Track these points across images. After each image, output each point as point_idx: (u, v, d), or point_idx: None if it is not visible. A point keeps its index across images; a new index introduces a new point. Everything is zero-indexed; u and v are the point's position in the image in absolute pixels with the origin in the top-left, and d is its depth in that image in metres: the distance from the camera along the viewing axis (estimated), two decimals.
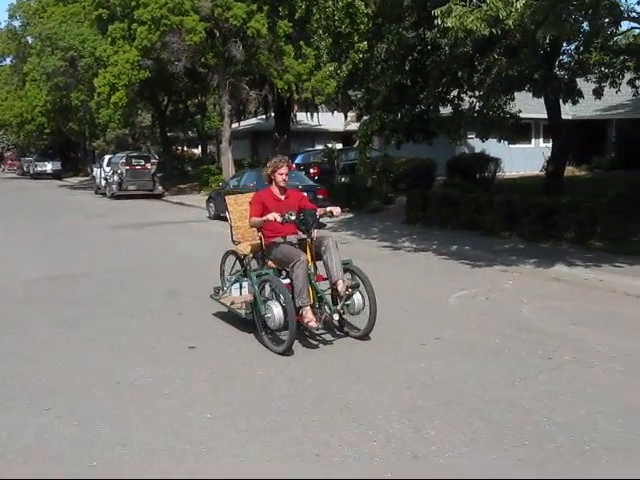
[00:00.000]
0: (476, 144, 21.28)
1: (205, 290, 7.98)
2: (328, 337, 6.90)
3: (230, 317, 7.46)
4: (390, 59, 14.60)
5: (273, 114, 32.13)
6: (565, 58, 14.79)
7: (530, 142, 27.98)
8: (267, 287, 6.68)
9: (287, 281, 6.64)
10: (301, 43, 23.55)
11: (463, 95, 14.82)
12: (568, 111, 25.77)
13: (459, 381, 5.59)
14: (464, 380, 5.61)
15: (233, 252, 7.84)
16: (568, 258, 10.70)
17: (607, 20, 10.64)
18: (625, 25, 12.94)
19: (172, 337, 7.00)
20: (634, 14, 11.62)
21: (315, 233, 6.82)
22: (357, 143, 17.14)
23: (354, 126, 23.94)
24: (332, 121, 37.92)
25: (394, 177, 21.49)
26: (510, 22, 9.07)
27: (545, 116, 16.66)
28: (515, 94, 14.88)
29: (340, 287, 6.62)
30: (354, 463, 4.26)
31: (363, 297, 6.70)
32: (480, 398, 5.24)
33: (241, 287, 7.27)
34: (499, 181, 20.71)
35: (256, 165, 27.46)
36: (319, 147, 29.71)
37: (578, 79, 15.43)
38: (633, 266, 9.90)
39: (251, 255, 7.44)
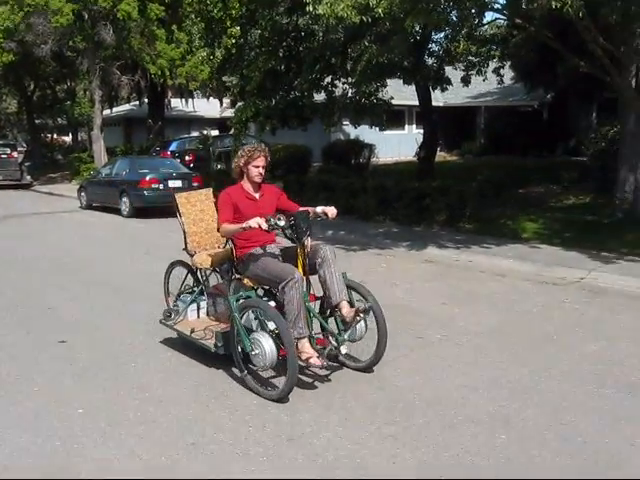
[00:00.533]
0: (352, 130, 21.65)
1: (78, 281, 7.69)
2: None
3: (101, 311, 7.20)
4: (264, 45, 14.58)
5: (147, 100, 31.34)
6: (434, 47, 15.25)
7: (404, 128, 28.75)
8: (250, 314, 5.23)
9: (272, 304, 5.34)
10: (174, 28, 23.05)
11: (336, 82, 15.00)
12: (440, 98, 26.63)
13: (333, 364, 5.68)
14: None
15: (182, 263, 6.46)
16: (439, 240, 11.08)
17: (473, 10, 11.03)
18: (489, 16, 13.47)
19: (41, 332, 6.72)
20: (497, 5, 12.12)
21: (309, 241, 5.40)
22: (232, 130, 17.02)
23: (230, 112, 23.74)
24: (207, 107, 37.46)
25: (270, 164, 21.41)
26: (380, 10, 9.25)
27: (417, 103, 17.13)
28: (388, 81, 15.21)
29: (345, 310, 5.26)
30: (229, 449, 4.25)
31: (366, 321, 5.41)
32: (353, 379, 5.35)
33: (199, 308, 6.06)
34: (374, 167, 21.16)
35: (129, 153, 26.76)
36: (195, 134, 29.30)
37: (447, 67, 15.96)
38: (500, 247, 10.38)
39: (211, 269, 6.06)
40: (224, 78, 23.43)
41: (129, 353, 6.06)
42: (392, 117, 26.22)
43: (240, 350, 5.20)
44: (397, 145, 26.73)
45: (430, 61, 14.32)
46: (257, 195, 5.64)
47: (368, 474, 3.95)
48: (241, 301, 5.24)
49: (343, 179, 14.86)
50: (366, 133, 20.44)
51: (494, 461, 4.00)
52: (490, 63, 16.84)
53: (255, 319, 5.21)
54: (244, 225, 5.14)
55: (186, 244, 6.12)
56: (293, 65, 14.75)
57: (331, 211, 5.58)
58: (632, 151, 11.99)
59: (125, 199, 16.60)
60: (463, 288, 8.36)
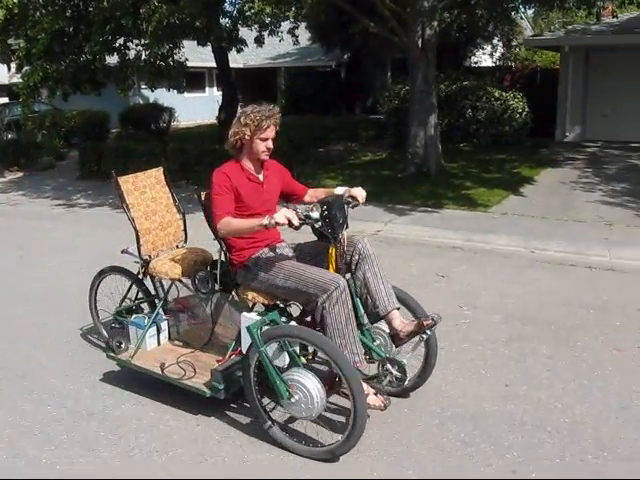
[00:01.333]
0: (151, 94, 21.04)
1: None
2: None
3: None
4: (49, 4, 13.65)
5: None
6: (228, 7, 15.08)
7: (204, 91, 28.36)
8: (273, 345, 3.81)
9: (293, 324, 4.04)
10: None
11: (129, 44, 14.42)
12: (239, 60, 26.52)
13: None
14: None
15: (121, 271, 5.14)
16: None
17: None
18: None
19: None
20: None
21: (345, 237, 4.10)
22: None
23: (18, 78, 22.18)
24: None
25: (66, 131, 20.41)
26: None
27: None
28: (187, 43, 14.86)
29: (398, 323, 4.02)
30: (29, 431, 4.10)
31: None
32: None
33: (159, 332, 4.69)
34: (175, 131, 20.74)
35: None
36: None
37: (243, 28, 15.82)
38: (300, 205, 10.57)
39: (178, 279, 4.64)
40: (9, 41, 21.77)
41: None
42: (192, 79, 25.79)
43: (259, 395, 3.95)
44: (198, 108, 26.36)
45: (224, 22, 14.15)
46: (260, 177, 4.22)
47: (174, 442, 3.94)
48: (264, 328, 3.83)
49: (142, 144, 14.44)
50: (166, 97, 19.94)
51: None
52: (286, 24, 16.91)
53: (281, 351, 3.81)
54: (265, 222, 3.68)
55: (139, 247, 4.67)
56: (82, 26, 13.96)
57: (360, 193, 4.25)
58: (421, 108, 12.62)
59: None
60: None
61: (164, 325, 4.71)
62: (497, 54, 24.44)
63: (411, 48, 12.45)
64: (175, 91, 16.21)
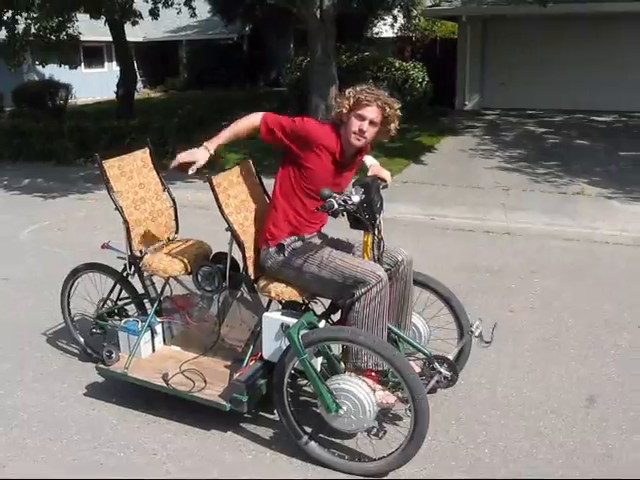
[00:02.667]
0: (48, 71, 20.22)
1: None
2: None
3: None
4: None
5: None
6: None
7: (103, 66, 27.44)
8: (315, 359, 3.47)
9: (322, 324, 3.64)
10: None
11: (18, 17, 13.76)
12: (139, 33, 25.81)
13: (30, 318, 5.37)
14: (34, 317, 5.40)
15: (101, 269, 4.56)
16: None
17: None
18: None
19: None
20: None
21: (382, 222, 3.66)
22: None
23: None
24: None
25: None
26: None
27: None
28: (84, 16, 14.30)
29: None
30: None
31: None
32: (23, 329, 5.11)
33: (153, 337, 4.19)
34: (72, 108, 20.01)
35: None
36: None
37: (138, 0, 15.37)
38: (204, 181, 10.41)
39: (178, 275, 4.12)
40: None
41: None
42: (89, 54, 25.08)
43: (291, 409, 3.52)
44: (98, 84, 25.49)
45: None
46: (345, 162, 3.68)
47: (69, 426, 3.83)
48: (302, 332, 3.37)
49: (37, 123, 13.87)
50: (63, 73, 19.16)
51: None
52: None
53: (318, 358, 3.47)
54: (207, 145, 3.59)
55: (130, 241, 4.12)
56: None
57: (388, 175, 3.87)
58: (321, 79, 12.62)
59: None
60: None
61: (159, 329, 4.20)
62: (397, 25, 24.60)
63: (310, 19, 12.40)
64: (67, 66, 15.63)
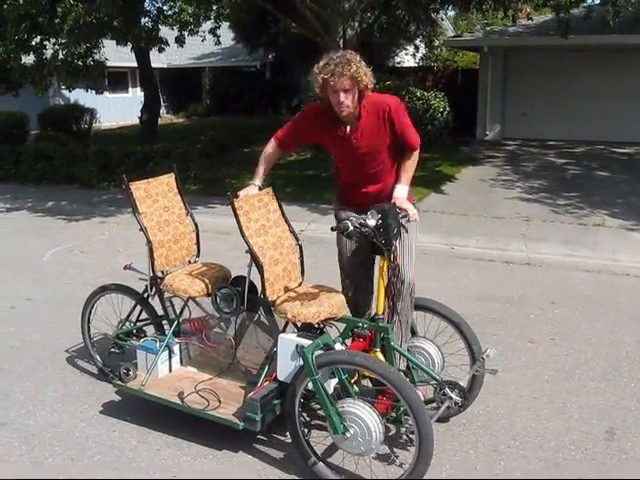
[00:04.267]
0: (73, 95, 20.53)
1: None
2: None
3: None
4: None
5: None
6: (148, 5, 14.83)
7: (127, 91, 27.83)
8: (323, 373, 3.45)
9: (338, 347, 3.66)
10: None
11: (46, 42, 14.02)
12: (163, 59, 26.17)
13: (52, 338, 5.44)
14: (56, 337, 5.47)
15: (123, 290, 4.67)
16: None
17: None
18: None
19: None
20: None
21: (399, 249, 3.80)
22: None
23: None
24: None
25: None
26: None
27: None
28: (109, 42, 14.55)
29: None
30: None
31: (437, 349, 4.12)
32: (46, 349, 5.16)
33: (170, 357, 4.26)
34: (96, 132, 20.32)
35: None
36: None
37: (165, 27, 15.59)
38: (224, 206, 10.51)
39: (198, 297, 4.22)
40: None
41: None
42: (114, 80, 25.38)
43: (302, 430, 3.59)
44: (122, 109, 25.86)
45: (144, 21, 13.92)
46: (347, 128, 3.78)
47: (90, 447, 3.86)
48: (316, 353, 3.44)
49: (62, 146, 14.07)
50: (88, 97, 19.47)
51: None
52: (208, 23, 16.74)
53: (328, 379, 3.48)
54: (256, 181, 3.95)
55: (152, 262, 4.25)
56: None
57: (407, 205, 3.80)
58: None
59: None
60: None
61: (176, 349, 4.27)
62: (419, 54, 24.81)
63: (333, 48, 12.41)
64: (89, 91, 15.87)
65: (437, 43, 23.80)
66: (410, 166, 3.89)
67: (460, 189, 11.79)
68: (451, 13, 29.11)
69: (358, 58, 3.62)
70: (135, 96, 27.56)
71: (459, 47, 21.54)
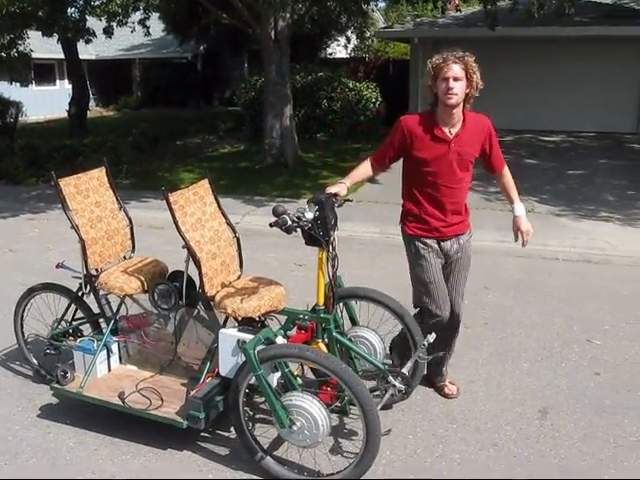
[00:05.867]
0: None
1: None
2: None
3: None
4: None
5: None
6: None
7: (55, 84, 27.09)
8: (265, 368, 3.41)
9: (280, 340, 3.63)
10: None
11: None
12: (91, 51, 25.60)
13: None
14: None
15: (55, 289, 4.50)
16: None
17: None
18: None
19: None
20: None
21: (336, 239, 3.80)
22: None
23: None
24: None
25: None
26: None
27: None
28: (36, 33, 14.13)
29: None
30: None
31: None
32: None
33: (109, 356, 4.17)
34: (23, 126, 19.71)
35: None
36: None
37: (93, 18, 15.25)
38: (158, 200, 10.34)
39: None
40: None
41: None
42: (41, 72, 24.69)
43: (248, 425, 3.58)
44: (49, 102, 25.16)
45: (70, 11, 13.58)
46: (451, 131, 3.84)
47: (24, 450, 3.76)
48: (258, 348, 3.42)
49: None
50: (13, 90, 18.87)
51: None
52: (138, 14, 16.46)
53: (272, 373, 3.47)
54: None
55: (85, 259, 4.12)
56: None
57: (528, 230, 4.20)
58: (276, 99, 12.69)
59: None
60: None
61: (115, 348, 4.17)
62: (351, 46, 24.92)
63: (264, 40, 12.48)
64: (21, 84, 15.43)
65: (368, 34, 23.94)
66: (513, 183, 4.20)
67: (394, 178, 11.68)
68: (382, 4, 29.29)
69: (474, 59, 3.74)
70: (63, 89, 26.84)
71: (390, 38, 21.73)
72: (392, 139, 3.94)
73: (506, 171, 4.16)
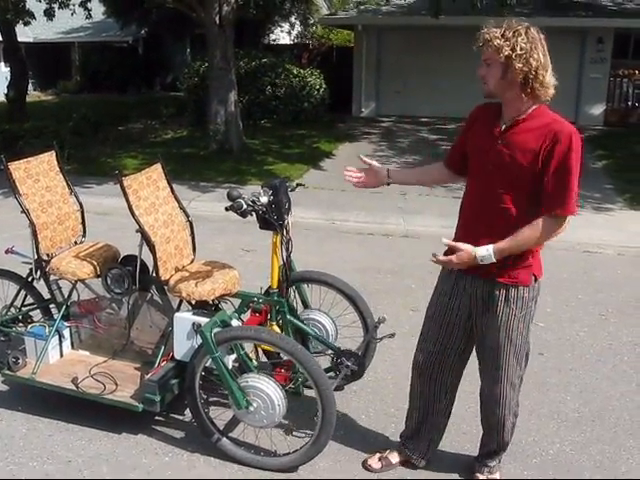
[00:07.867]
0: None
1: None
2: None
3: None
4: None
5: None
6: None
7: None
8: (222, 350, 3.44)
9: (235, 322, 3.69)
10: None
11: None
12: (29, 33, 24.96)
13: None
14: None
15: (7, 275, 4.45)
16: None
17: None
18: None
19: None
20: None
21: (290, 223, 3.81)
22: None
23: None
24: None
25: None
26: None
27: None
28: None
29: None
30: None
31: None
32: None
33: (61, 342, 4.15)
34: None
35: None
36: None
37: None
38: (102, 185, 10.21)
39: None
40: None
41: None
42: None
43: (204, 408, 3.63)
44: None
45: None
46: (503, 127, 2.95)
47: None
48: (215, 331, 3.44)
49: None
50: None
51: None
52: None
53: (230, 356, 3.53)
54: None
55: (37, 244, 4.05)
56: None
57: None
58: (220, 85, 12.62)
59: None
60: None
61: (66, 333, 4.16)
62: (295, 32, 24.90)
63: (209, 24, 12.38)
64: None
65: (312, 21, 23.95)
66: (525, 235, 2.87)
67: (338, 165, 12.01)
68: None
69: (524, 32, 2.79)
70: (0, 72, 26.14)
71: (334, 25, 21.75)
72: (462, 130, 3.25)
73: (543, 224, 2.85)
